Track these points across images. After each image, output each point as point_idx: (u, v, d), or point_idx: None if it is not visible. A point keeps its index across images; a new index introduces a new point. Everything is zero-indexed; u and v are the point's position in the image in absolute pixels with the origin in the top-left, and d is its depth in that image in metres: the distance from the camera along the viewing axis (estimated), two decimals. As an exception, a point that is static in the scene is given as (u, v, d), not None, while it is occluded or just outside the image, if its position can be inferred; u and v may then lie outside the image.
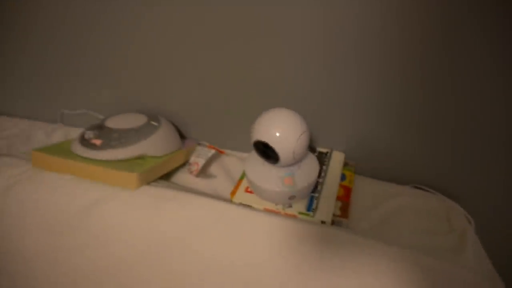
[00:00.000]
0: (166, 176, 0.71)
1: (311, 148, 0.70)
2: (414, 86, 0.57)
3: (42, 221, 0.60)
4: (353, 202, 0.64)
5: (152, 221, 0.57)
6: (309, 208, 0.58)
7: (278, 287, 0.49)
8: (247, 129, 0.69)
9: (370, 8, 0.52)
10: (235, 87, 0.70)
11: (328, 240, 0.52)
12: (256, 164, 0.60)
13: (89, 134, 0.65)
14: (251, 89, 0.69)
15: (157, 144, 0.69)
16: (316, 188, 0.62)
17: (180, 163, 0.74)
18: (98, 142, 0.64)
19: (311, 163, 0.60)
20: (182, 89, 0.74)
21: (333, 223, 0.58)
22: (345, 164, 0.71)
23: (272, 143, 0.51)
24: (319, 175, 0.63)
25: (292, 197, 0.57)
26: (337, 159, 0.70)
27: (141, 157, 0.66)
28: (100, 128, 0.67)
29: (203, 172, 0.73)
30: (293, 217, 0.57)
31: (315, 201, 0.59)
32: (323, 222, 0.56)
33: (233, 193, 0.63)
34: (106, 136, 0.65)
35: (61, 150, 0.66)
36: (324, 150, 0.72)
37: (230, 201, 0.62)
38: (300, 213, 0.57)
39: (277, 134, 0.51)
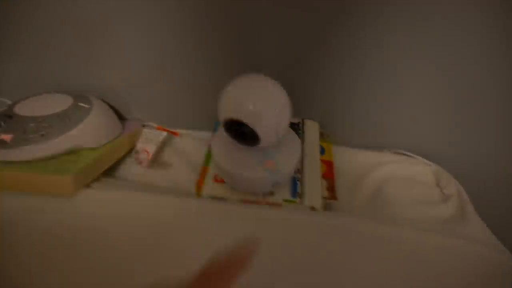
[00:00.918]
0: (109, 172, 0.56)
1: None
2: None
3: None
4: (337, 178, 0.56)
5: (102, 235, 0.44)
6: (294, 193, 0.49)
7: None
8: (203, 102, 0.57)
9: None
10: (186, 52, 0.56)
11: (325, 230, 0.44)
12: (226, 147, 0.48)
13: (-9, 128, 0.48)
14: (206, 54, 0.56)
15: (91, 132, 0.53)
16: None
17: (124, 152, 0.59)
18: (7, 137, 0.47)
19: (291, 139, 0.50)
20: (117, 57, 0.58)
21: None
22: (320, 135, 0.62)
23: (249, 121, 0.40)
24: (300, 152, 0.54)
25: (276, 184, 0.47)
26: (311, 130, 0.61)
27: (72, 152, 0.51)
28: (7, 117, 0.50)
29: (156, 160, 0.60)
30: (278, 206, 0.48)
31: (299, 184, 0.50)
32: (313, 209, 0.48)
33: (199, 184, 0.51)
34: (18, 127, 0.48)
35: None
36: (293, 120, 0.62)
37: (197, 194, 0.51)
38: (285, 200, 0.48)
39: (255, 109, 0.39)
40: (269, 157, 0.46)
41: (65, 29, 0.55)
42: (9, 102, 0.64)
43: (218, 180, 0.51)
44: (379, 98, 0.58)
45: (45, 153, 0.48)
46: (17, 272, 0.42)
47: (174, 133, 0.64)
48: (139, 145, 0.59)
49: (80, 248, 0.44)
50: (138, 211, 0.46)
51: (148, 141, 0.59)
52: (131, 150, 0.61)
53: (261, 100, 0.40)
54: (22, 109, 0.51)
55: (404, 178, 0.58)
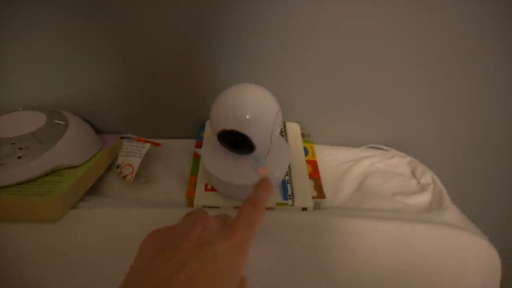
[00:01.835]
0: (93, 190, 0.54)
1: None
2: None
3: None
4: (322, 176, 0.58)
5: (93, 255, 0.43)
6: (285, 195, 0.51)
7: None
8: (186, 108, 0.57)
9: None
10: (164, 57, 0.55)
11: (320, 229, 0.46)
12: (217, 156, 0.48)
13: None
14: (187, 59, 0.55)
15: (71, 150, 0.51)
16: (284, 170, 0.54)
17: (105, 168, 0.57)
18: (-20, 163, 0.44)
19: (280, 143, 0.52)
20: (89, 66, 0.56)
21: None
22: (302, 136, 0.64)
23: (246, 131, 0.40)
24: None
25: (269, 189, 0.48)
26: (293, 131, 0.63)
27: (53, 172, 0.48)
28: (-23, 142, 0.46)
29: (140, 174, 0.58)
30: (270, 210, 0.49)
31: (289, 187, 0.52)
32: (304, 209, 0.50)
33: (189, 194, 0.51)
34: (-9, 151, 0.45)
35: None
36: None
37: (188, 205, 0.50)
38: (278, 203, 0.50)
39: (251, 119, 0.40)
40: (261, 164, 0.47)
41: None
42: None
43: (209, 189, 0.51)
44: (352, 95, 0.61)
45: (25, 177, 0.45)
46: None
47: (157, 144, 0.62)
48: (121, 159, 0.57)
49: (70, 270, 0.42)
50: (129, 227, 0.45)
51: (131, 154, 0.57)
52: (111, 165, 0.59)
53: (255, 109, 0.41)
54: (-8, 131, 0.48)
55: (382, 171, 0.62)
